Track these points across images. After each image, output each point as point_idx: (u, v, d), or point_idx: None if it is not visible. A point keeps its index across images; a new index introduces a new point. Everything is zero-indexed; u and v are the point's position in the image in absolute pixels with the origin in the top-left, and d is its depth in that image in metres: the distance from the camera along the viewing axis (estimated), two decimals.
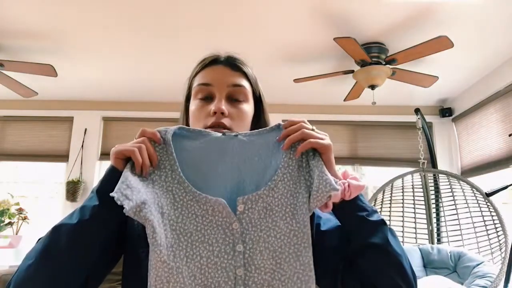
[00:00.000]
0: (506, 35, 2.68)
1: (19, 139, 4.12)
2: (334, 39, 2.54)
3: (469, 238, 2.90)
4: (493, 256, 2.70)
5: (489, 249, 2.75)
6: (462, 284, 2.35)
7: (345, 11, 2.44)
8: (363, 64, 2.86)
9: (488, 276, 2.29)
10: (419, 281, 2.18)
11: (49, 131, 4.15)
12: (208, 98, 0.78)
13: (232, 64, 0.81)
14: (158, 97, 3.95)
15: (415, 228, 3.13)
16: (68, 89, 3.83)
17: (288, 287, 0.59)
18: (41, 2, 2.36)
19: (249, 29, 2.70)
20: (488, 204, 2.80)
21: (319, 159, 0.64)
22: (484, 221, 2.85)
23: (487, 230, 2.81)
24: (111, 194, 0.57)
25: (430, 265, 2.66)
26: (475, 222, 2.90)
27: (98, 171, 4.05)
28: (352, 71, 3.00)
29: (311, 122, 0.69)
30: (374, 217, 0.65)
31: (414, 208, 3.19)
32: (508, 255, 2.09)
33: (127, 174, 0.61)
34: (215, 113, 0.74)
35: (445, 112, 3.97)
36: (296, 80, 3.14)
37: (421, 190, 3.22)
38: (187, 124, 0.81)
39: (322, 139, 0.65)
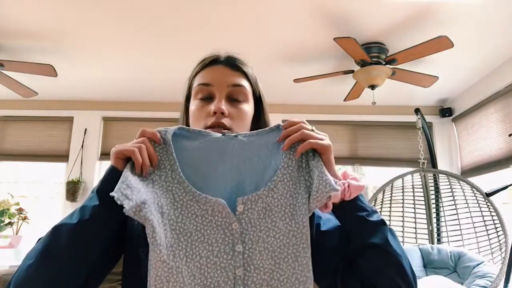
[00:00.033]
0: (506, 35, 2.68)
1: (19, 139, 4.12)
2: (334, 39, 2.54)
3: (469, 238, 2.90)
4: (493, 256, 2.70)
5: (489, 249, 2.75)
6: (462, 284, 2.35)
7: (345, 11, 2.44)
8: (363, 64, 2.86)
9: (488, 276, 2.29)
10: (419, 281, 2.18)
11: (49, 131, 4.15)
12: (208, 98, 0.78)
13: (232, 64, 0.81)
14: (158, 97, 3.95)
15: (415, 228, 3.13)
16: (68, 89, 3.83)
17: (286, 287, 0.60)
18: (41, 2, 2.36)
19: (249, 29, 2.70)
20: (488, 204, 2.80)
21: (319, 159, 0.64)
22: (484, 221, 2.85)
23: (487, 230, 2.81)
24: (111, 194, 0.57)
25: (430, 265, 2.66)
26: (475, 222, 2.90)
27: (98, 171, 4.05)
28: (352, 71, 3.00)
29: (311, 122, 0.69)
30: (374, 217, 0.65)
31: (414, 208, 3.19)
32: (508, 255, 2.09)
33: (127, 174, 0.61)
34: (215, 113, 0.74)
35: (445, 112, 3.97)
36: (296, 80, 3.15)
37: (421, 190, 3.22)
38: (187, 124, 0.81)
39: (321, 139, 0.65)
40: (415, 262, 2.64)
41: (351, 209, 0.66)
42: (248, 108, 0.80)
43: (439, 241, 3.18)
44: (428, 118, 3.83)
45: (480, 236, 2.84)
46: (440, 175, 3.22)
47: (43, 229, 0.68)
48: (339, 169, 0.68)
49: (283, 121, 0.69)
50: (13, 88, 3.25)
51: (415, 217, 3.16)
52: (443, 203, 3.16)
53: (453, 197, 3.09)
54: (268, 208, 0.63)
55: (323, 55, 3.01)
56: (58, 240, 0.61)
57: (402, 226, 3.15)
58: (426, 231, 3.11)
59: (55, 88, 3.75)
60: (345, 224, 0.68)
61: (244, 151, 0.67)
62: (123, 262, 0.72)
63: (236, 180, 0.66)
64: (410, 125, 3.76)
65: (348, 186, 0.63)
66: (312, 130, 0.67)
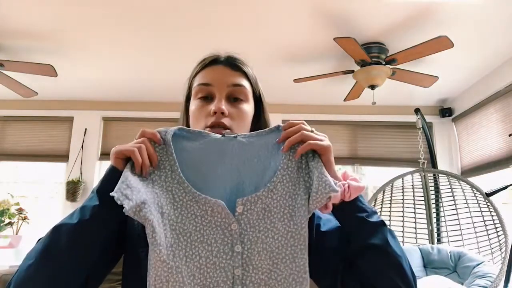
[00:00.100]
0: (506, 35, 2.68)
1: (19, 139, 4.12)
2: (334, 39, 2.54)
3: (469, 238, 2.90)
4: (493, 256, 2.70)
5: (489, 249, 2.75)
6: (462, 284, 2.35)
7: (345, 11, 2.44)
8: (363, 64, 2.86)
9: (488, 276, 2.29)
10: (419, 281, 2.19)
11: (49, 131, 4.15)
12: (208, 98, 0.78)
13: (232, 64, 0.81)
14: (158, 97, 3.96)
15: (415, 228, 3.13)
16: (68, 89, 3.83)
17: (283, 287, 0.60)
18: (41, 2, 2.36)
19: (249, 29, 2.70)
20: (488, 204, 2.80)
21: (319, 160, 0.64)
22: (484, 221, 2.85)
23: (487, 230, 2.82)
24: (111, 194, 0.57)
25: (430, 265, 2.66)
26: (475, 222, 2.90)
27: (98, 171, 4.05)
28: (352, 71, 3.00)
29: (311, 122, 0.69)
30: (374, 218, 0.65)
31: (414, 208, 3.19)
32: (508, 255, 2.09)
33: (127, 174, 0.61)
34: (215, 113, 0.74)
35: (445, 112, 3.97)
36: (296, 80, 3.15)
37: (421, 190, 3.22)
38: (187, 124, 0.82)
39: (321, 140, 0.65)
40: (415, 262, 2.64)
41: (351, 210, 0.66)
42: (248, 108, 0.80)
43: (439, 241, 3.18)
44: (428, 118, 3.83)
45: (480, 236, 2.84)
46: (440, 175, 3.22)
47: (43, 229, 0.68)
48: (339, 169, 0.69)
49: (283, 121, 0.69)
50: (13, 88, 3.25)
51: (415, 217, 3.16)
52: (443, 203, 3.16)
53: (453, 197, 3.09)
54: (267, 209, 0.64)
55: (323, 55, 3.02)
56: (58, 240, 0.61)
57: (402, 226, 3.15)
58: (426, 231, 3.11)
59: (55, 88, 3.75)
60: (345, 225, 0.68)
61: (243, 152, 0.67)
62: (123, 262, 0.72)
63: (235, 181, 0.66)
64: (410, 125, 3.76)
65: (348, 187, 0.63)
66: (312, 131, 0.67)
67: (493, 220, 2.77)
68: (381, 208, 3.20)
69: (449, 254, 2.61)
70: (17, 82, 3.15)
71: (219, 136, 0.68)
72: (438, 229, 3.22)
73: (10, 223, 3.51)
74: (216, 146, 0.67)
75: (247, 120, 0.79)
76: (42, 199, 4.14)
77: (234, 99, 0.78)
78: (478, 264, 2.43)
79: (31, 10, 2.45)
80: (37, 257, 0.60)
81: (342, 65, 3.09)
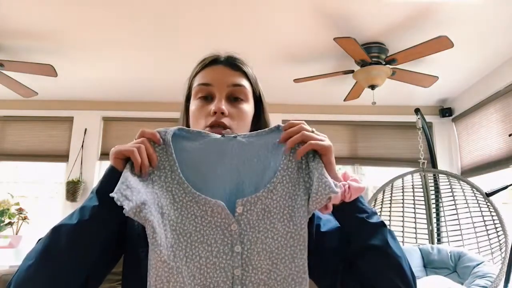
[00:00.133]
0: (506, 35, 2.68)
1: (19, 139, 4.13)
2: (334, 39, 2.54)
3: (469, 238, 2.90)
4: (493, 256, 2.70)
5: (489, 249, 2.75)
6: (462, 284, 2.35)
7: (345, 11, 2.44)
8: (363, 64, 2.86)
9: (488, 276, 2.29)
10: (419, 281, 2.19)
11: (49, 131, 4.15)
12: (208, 98, 0.78)
13: (232, 64, 0.81)
14: (158, 97, 3.96)
15: (415, 228, 3.13)
16: (68, 89, 3.83)
17: (283, 287, 0.60)
18: (41, 2, 2.36)
19: (249, 29, 2.70)
20: (488, 204, 2.80)
21: (319, 161, 0.64)
22: (484, 221, 2.85)
23: (487, 230, 2.82)
24: (111, 195, 0.57)
25: (430, 265, 2.66)
26: (475, 222, 2.90)
27: (98, 171, 4.05)
28: (352, 71, 3.00)
29: (311, 122, 0.69)
30: (374, 219, 0.65)
31: (414, 208, 3.19)
32: (508, 255, 2.09)
33: (127, 175, 0.61)
34: (215, 113, 0.74)
35: (445, 112, 3.97)
36: (296, 80, 3.15)
37: (421, 190, 3.22)
38: (187, 124, 0.82)
39: (322, 140, 0.65)
40: (415, 262, 2.64)
41: (351, 211, 0.66)
42: (248, 107, 0.80)
43: (439, 241, 3.18)
44: (428, 118, 3.83)
45: (480, 236, 2.84)
46: (440, 175, 3.22)
47: (43, 229, 0.68)
48: (339, 169, 0.69)
49: (283, 121, 0.69)
50: (13, 88, 3.25)
51: (415, 217, 3.16)
52: (443, 203, 3.16)
53: (453, 197, 3.09)
54: (267, 210, 0.64)
55: (323, 55, 3.02)
56: (58, 240, 0.61)
57: (402, 226, 3.15)
58: (426, 231, 3.11)
59: (55, 88, 3.75)
60: (345, 225, 0.68)
61: (243, 152, 0.67)
62: (123, 262, 0.72)
63: (235, 181, 0.66)
64: (410, 125, 3.76)
65: (349, 187, 0.63)
66: (312, 131, 0.67)
67: (493, 220, 2.77)
68: (381, 208, 3.20)
69: (449, 254, 2.61)
70: (17, 82, 3.15)
71: (218, 136, 0.68)
72: (438, 229, 3.22)
73: (10, 223, 3.52)
74: (215, 146, 0.67)
75: (247, 120, 0.79)
76: (42, 199, 4.14)
77: (234, 99, 0.78)
78: (478, 264, 2.43)
79: (31, 10, 2.45)
80: (37, 257, 0.60)
81: (342, 65, 3.08)
